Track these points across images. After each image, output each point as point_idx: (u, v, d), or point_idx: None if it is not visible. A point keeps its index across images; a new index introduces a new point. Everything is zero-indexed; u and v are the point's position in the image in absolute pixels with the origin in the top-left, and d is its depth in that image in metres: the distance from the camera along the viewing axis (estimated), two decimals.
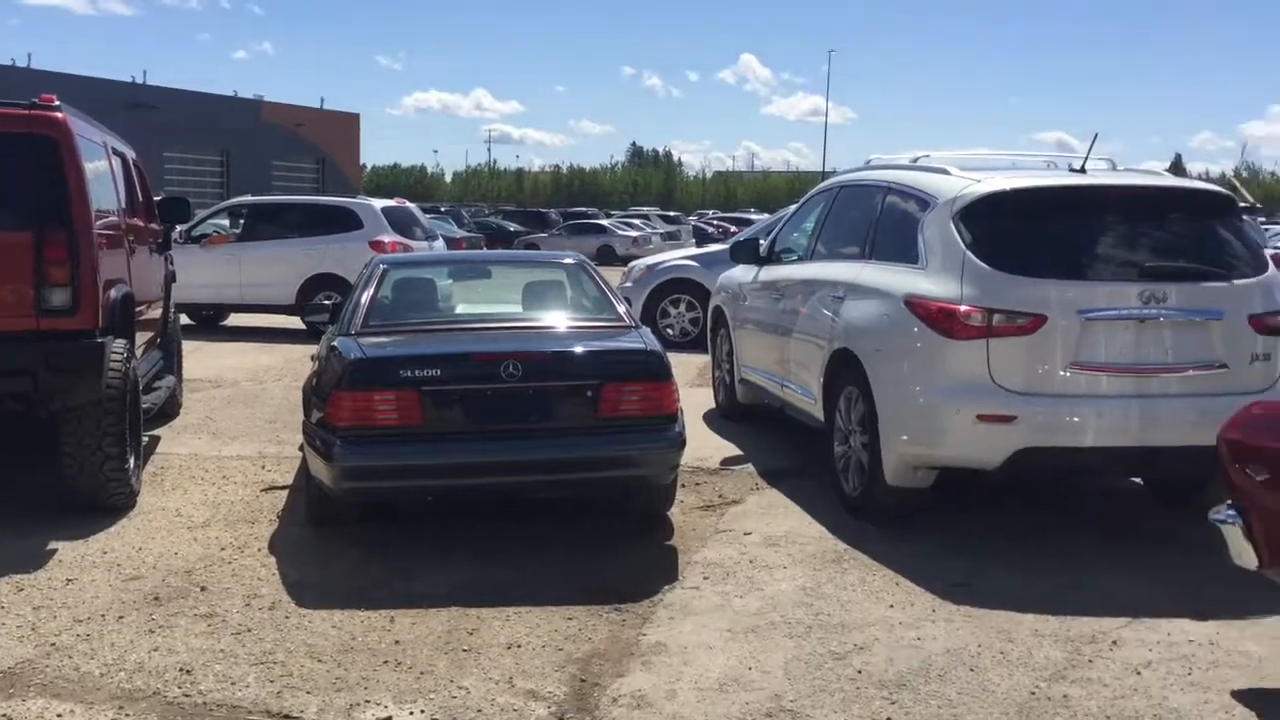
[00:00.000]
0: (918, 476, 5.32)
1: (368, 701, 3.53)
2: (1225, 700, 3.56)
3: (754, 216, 36.30)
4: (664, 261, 13.27)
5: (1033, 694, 3.60)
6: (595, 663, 3.85)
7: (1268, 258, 5.38)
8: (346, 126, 68.85)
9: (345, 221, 13.64)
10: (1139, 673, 3.76)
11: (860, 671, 3.77)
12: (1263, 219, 30.91)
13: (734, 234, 17.97)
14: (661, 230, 37.70)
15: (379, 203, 14.44)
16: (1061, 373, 5.01)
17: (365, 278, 5.97)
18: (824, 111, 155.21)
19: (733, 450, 7.10)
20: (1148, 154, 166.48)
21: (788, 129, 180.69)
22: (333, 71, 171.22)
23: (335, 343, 5.32)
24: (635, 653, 3.93)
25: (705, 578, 4.72)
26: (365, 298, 5.67)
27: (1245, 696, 3.58)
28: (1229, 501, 3.86)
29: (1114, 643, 4.02)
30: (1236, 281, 5.16)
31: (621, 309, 5.79)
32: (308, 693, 3.59)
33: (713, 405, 8.42)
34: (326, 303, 6.48)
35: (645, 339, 5.40)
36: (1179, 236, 5.42)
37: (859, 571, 4.80)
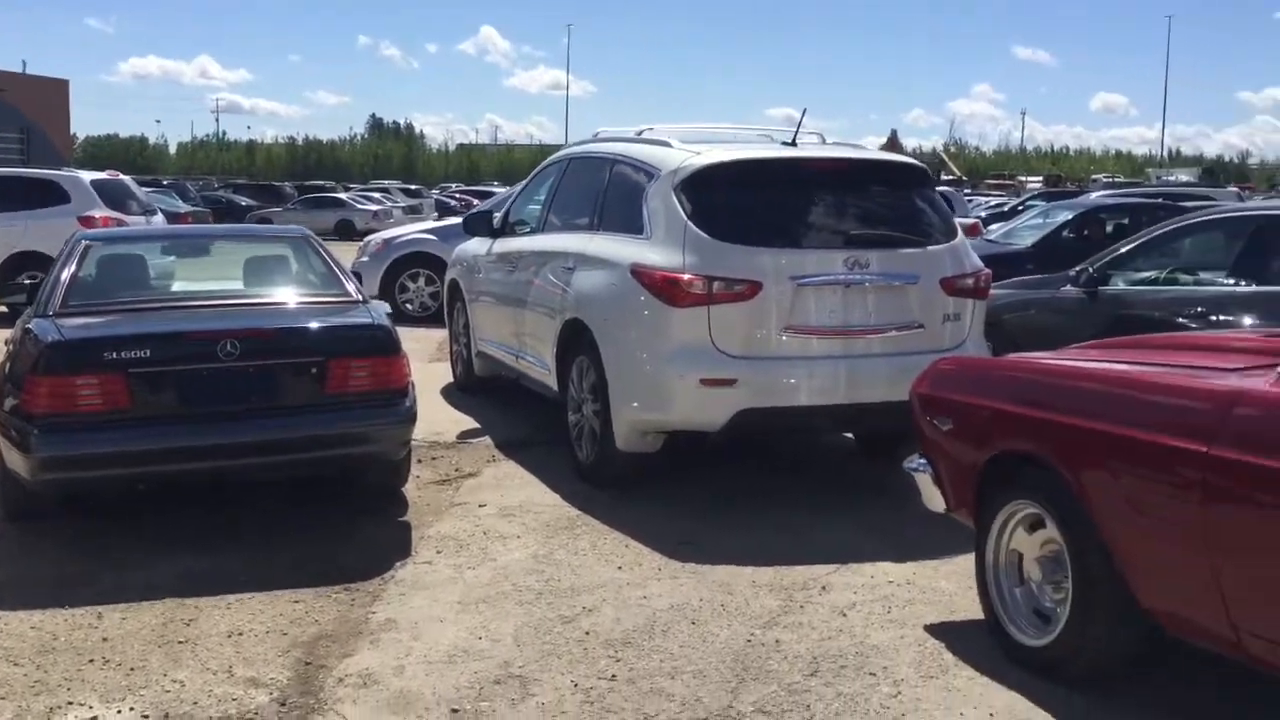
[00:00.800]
0: (647, 441, 5.48)
1: (70, 703, 3.34)
2: (919, 634, 3.86)
3: (498, 190, 36.17)
4: (401, 235, 13.03)
5: (748, 641, 3.79)
6: (321, 645, 3.78)
7: (957, 225, 5.83)
8: (54, 93, 63.68)
9: (50, 195, 12.69)
10: (844, 614, 4.03)
11: (588, 633, 3.86)
12: (968, 190, 33.37)
13: (477, 207, 17.85)
14: (403, 204, 36.95)
15: (88, 175, 13.51)
16: (777, 336, 5.26)
17: (65, 254, 5.58)
18: (565, 85, 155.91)
19: (470, 423, 7.09)
20: (868, 129, 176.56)
21: (530, 102, 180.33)
22: (37, 34, 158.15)
23: (30, 325, 4.95)
24: (364, 632, 3.88)
25: (439, 552, 4.71)
26: (65, 276, 5.31)
27: (936, 629, 3.90)
28: (920, 451, 4.18)
29: (823, 588, 4.28)
30: (930, 248, 5.56)
31: (349, 284, 5.66)
32: (1, 698, 3.35)
33: (452, 380, 8.37)
34: (26, 282, 6.02)
35: (373, 314, 5.30)
36: (880, 206, 5.77)
37: (591, 536, 4.91)
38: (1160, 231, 6.69)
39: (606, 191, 6.20)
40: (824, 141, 6.33)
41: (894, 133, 61.80)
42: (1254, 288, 5.69)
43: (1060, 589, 3.48)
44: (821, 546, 4.74)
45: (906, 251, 5.51)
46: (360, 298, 5.54)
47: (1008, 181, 48.85)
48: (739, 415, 5.22)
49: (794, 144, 5.97)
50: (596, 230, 6.10)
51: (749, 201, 5.56)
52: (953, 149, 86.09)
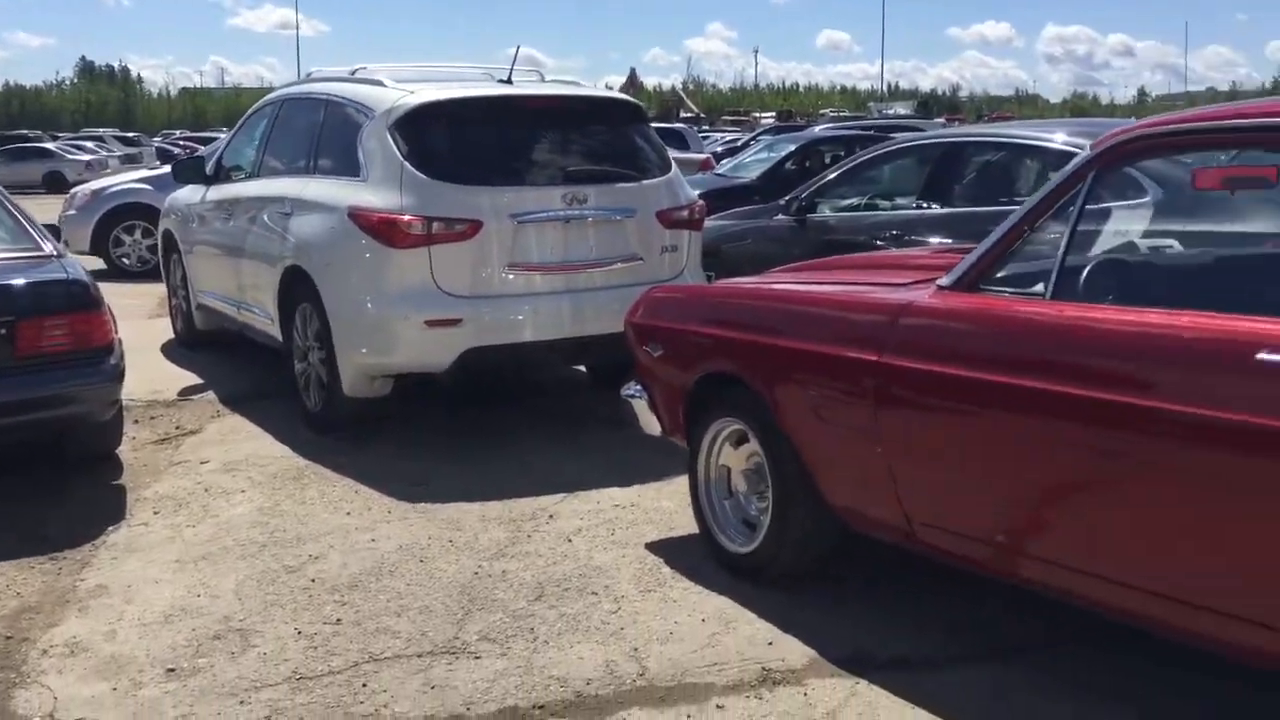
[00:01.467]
0: (375, 386, 5.43)
1: None
2: (640, 553, 4.04)
3: (225, 135, 34.43)
4: (112, 185, 12.26)
5: (476, 574, 3.86)
6: (24, 618, 3.59)
7: (671, 158, 6.00)
8: None
9: None
10: (570, 540, 4.16)
11: (314, 580, 3.83)
12: (706, 126, 34.20)
13: (196, 153, 16.91)
14: (120, 153, 34.59)
15: None
16: (501, 274, 5.31)
17: None
18: (295, 24, 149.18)
19: (193, 379, 6.81)
20: (608, 68, 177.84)
21: (258, 42, 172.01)
22: None
23: None
24: (71, 600, 3.71)
25: (155, 512, 4.54)
26: None
27: (656, 547, 4.09)
28: (636, 378, 4.34)
29: (551, 516, 4.40)
30: (646, 182, 5.71)
31: (41, 238, 5.29)
32: None
33: (174, 336, 7.99)
34: None
35: (69, 268, 4.98)
36: (597, 142, 5.88)
37: (319, 485, 4.85)
38: (859, 161, 7.11)
39: (321, 133, 6.04)
40: (542, 79, 6.36)
41: (633, 71, 62.38)
42: (940, 209, 6.16)
43: (764, 498, 3.72)
44: (551, 477, 4.86)
45: (623, 186, 5.64)
46: (55, 252, 5.20)
47: (743, 118, 50.38)
48: (466, 355, 5.24)
49: (510, 82, 5.97)
50: (312, 174, 5.94)
51: (466, 140, 5.55)
52: (691, 87, 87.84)
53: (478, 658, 3.27)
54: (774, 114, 52.31)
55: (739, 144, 24.05)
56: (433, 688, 3.10)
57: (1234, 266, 3.21)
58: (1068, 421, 2.68)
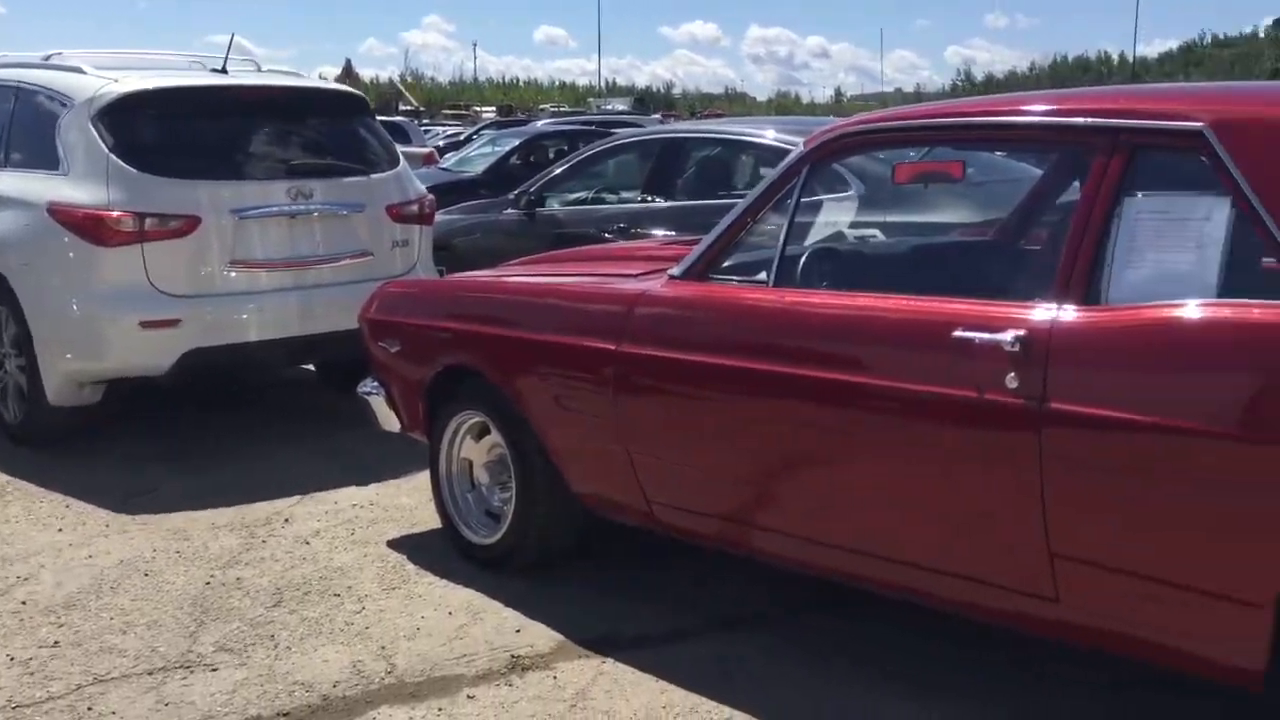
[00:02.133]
0: (85, 393, 5.09)
1: None
2: (382, 550, 3.99)
3: None
4: None
5: (208, 584, 3.70)
6: None
7: (399, 152, 5.93)
8: None
9: None
10: (308, 542, 4.06)
11: (24, 603, 3.56)
12: (426, 120, 33.75)
13: None
14: None
15: None
16: (223, 272, 5.09)
17: None
18: None
19: None
20: (321, 59, 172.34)
21: None
22: None
23: None
24: None
25: None
26: None
27: (398, 544, 4.05)
28: (372, 375, 4.28)
29: (286, 520, 4.27)
30: (374, 175, 5.61)
31: None
32: None
33: None
34: None
35: None
36: (321, 135, 5.72)
37: (24, 502, 4.50)
38: (584, 155, 7.26)
39: (13, 124, 5.58)
40: (259, 69, 6.13)
41: (349, 62, 60.83)
42: (664, 203, 6.38)
43: (507, 489, 3.76)
44: (284, 480, 4.70)
45: (351, 180, 5.52)
46: None
47: (464, 111, 50.04)
48: (187, 356, 4.99)
49: (225, 71, 5.72)
50: (4, 167, 5.49)
51: (180, 132, 5.29)
52: (409, 79, 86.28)
53: (215, 669, 3.15)
54: (495, 108, 52.27)
55: (461, 138, 23.91)
56: (166, 704, 2.96)
57: (930, 253, 3.52)
58: (792, 400, 2.87)
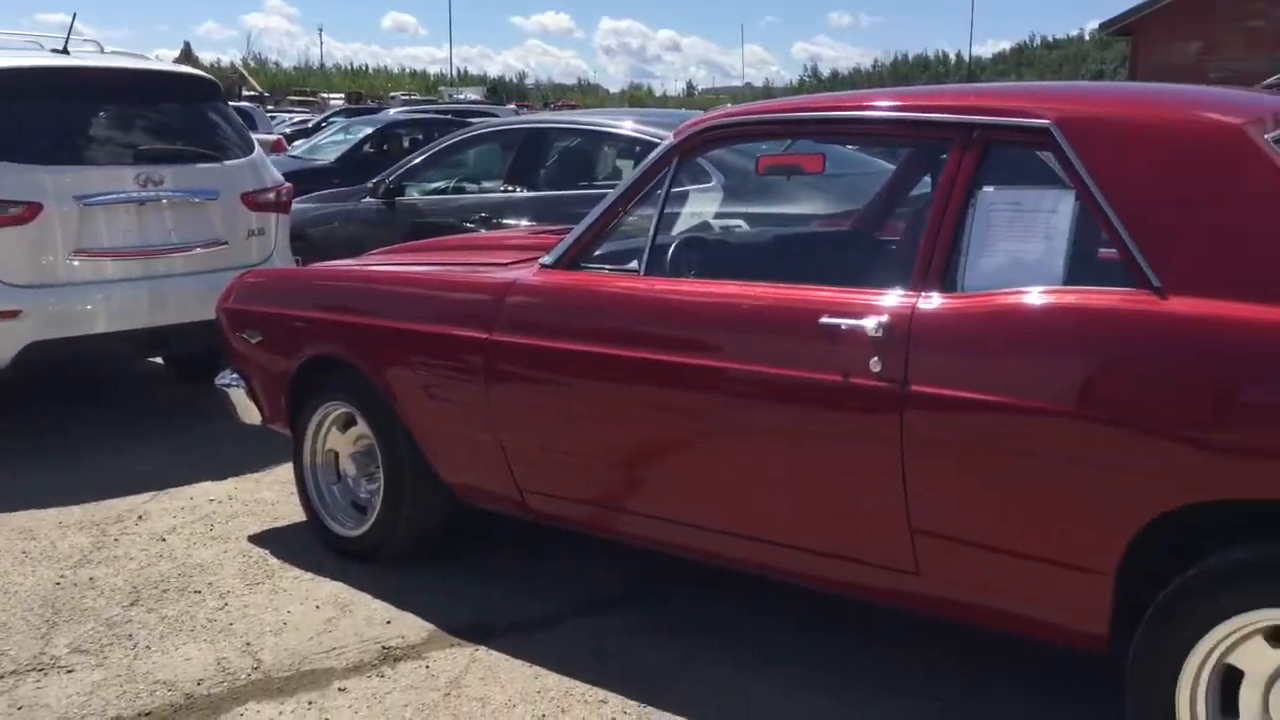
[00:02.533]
0: None
1: None
2: (244, 546, 3.90)
3: None
4: None
5: (58, 584, 3.56)
6: None
7: (254, 139, 5.78)
8: None
9: None
10: (164, 539, 3.94)
11: None
12: (271, 107, 32.79)
13: None
14: None
15: None
16: (66, 261, 4.88)
17: None
18: None
19: None
20: (157, 41, 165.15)
21: None
22: None
23: None
24: None
25: None
26: None
27: (260, 538, 3.96)
28: (231, 366, 4.17)
29: (140, 517, 4.14)
30: (228, 162, 5.46)
31: None
32: None
33: None
34: None
35: None
36: (172, 120, 5.52)
37: None
38: (445, 145, 7.19)
39: None
40: (102, 51, 5.89)
41: (187, 45, 58.55)
42: (526, 193, 6.37)
43: (374, 480, 3.72)
44: (137, 476, 4.55)
45: (203, 167, 5.36)
46: None
47: (311, 98, 48.73)
48: (28, 349, 4.78)
49: (66, 52, 5.48)
50: None
51: (20, 115, 5.03)
52: (252, 64, 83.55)
53: (70, 671, 3.04)
54: (344, 95, 51.08)
55: (310, 125, 23.31)
56: (20, 708, 2.85)
57: (795, 243, 3.62)
58: (664, 387, 2.92)
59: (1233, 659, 2.16)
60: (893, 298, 2.55)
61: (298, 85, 71.43)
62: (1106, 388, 2.23)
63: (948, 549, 2.48)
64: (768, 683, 2.93)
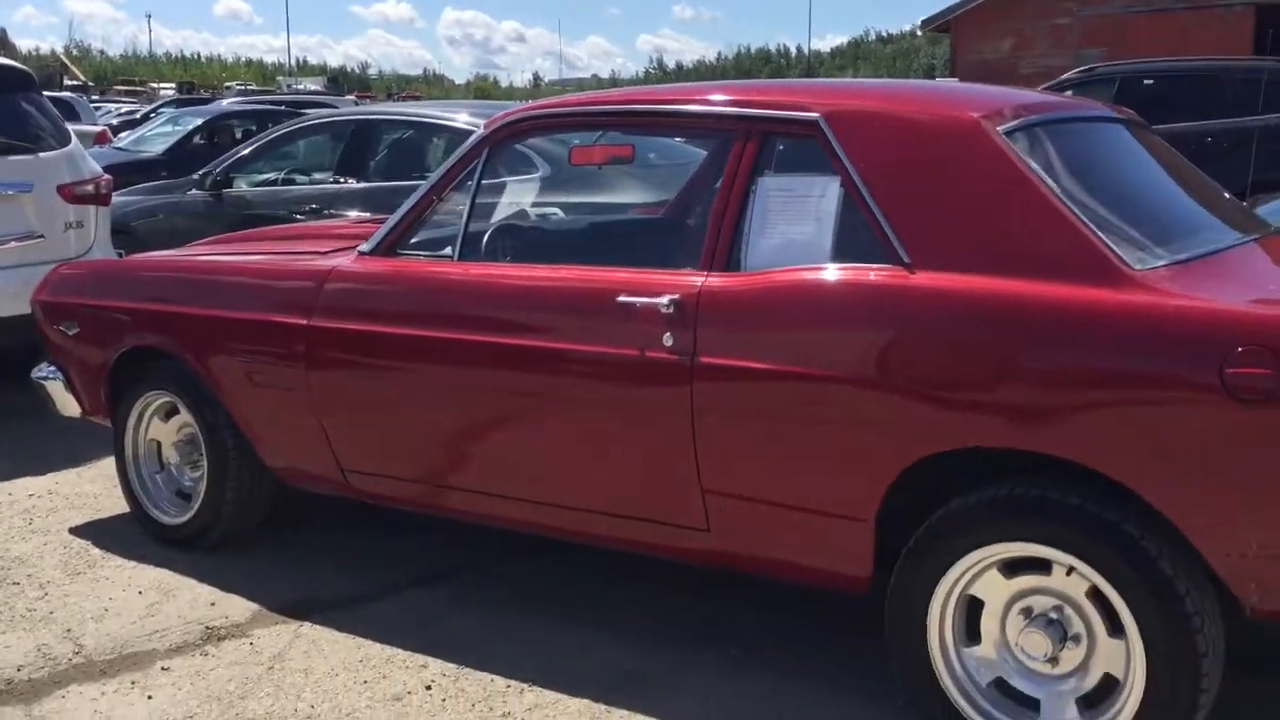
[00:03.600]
0: None
1: None
2: (64, 538, 3.89)
3: None
4: None
5: None
6: None
7: (71, 131, 5.68)
8: None
9: None
10: None
11: None
12: (96, 96, 31.51)
13: None
14: None
15: None
16: None
17: None
18: None
19: None
20: None
21: None
22: None
23: None
24: None
25: None
26: None
27: (82, 530, 3.96)
28: (49, 359, 4.14)
29: None
30: (43, 155, 5.37)
31: None
32: None
33: None
34: None
35: None
36: None
37: None
38: (274, 136, 7.16)
39: None
40: None
41: (3, 32, 55.56)
42: (357, 184, 6.42)
43: (197, 467, 3.77)
44: None
45: (17, 159, 5.26)
46: None
47: (139, 88, 46.90)
48: None
49: None
50: None
51: None
52: (75, 52, 79.79)
53: None
54: (174, 85, 49.31)
55: (138, 116, 22.52)
56: None
57: (602, 229, 3.82)
58: (478, 366, 3.07)
59: (974, 590, 2.45)
60: (683, 278, 2.76)
61: (125, 74, 68.52)
62: (862, 354, 2.48)
63: (734, 507, 2.71)
64: (580, 641, 3.12)
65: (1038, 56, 17.91)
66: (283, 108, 15.08)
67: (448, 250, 3.27)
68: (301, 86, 44.96)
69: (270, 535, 3.84)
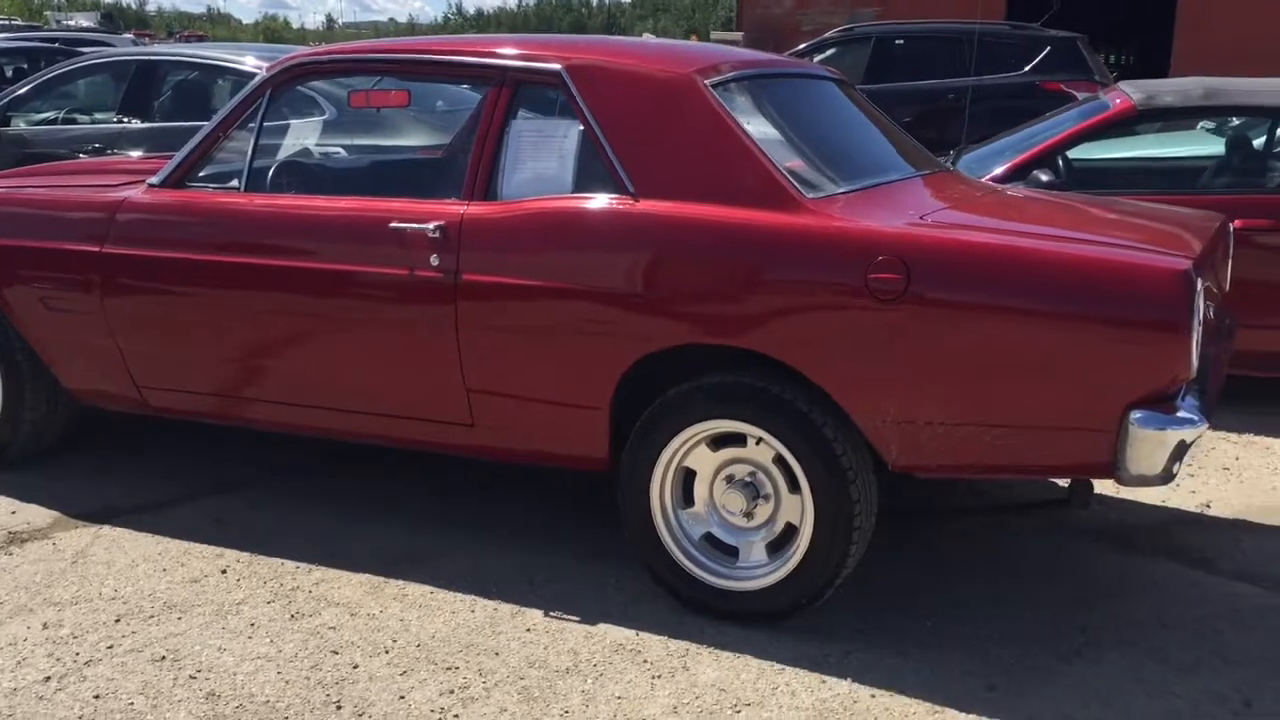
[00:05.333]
0: None
1: None
2: None
3: None
4: None
5: None
6: None
7: None
8: None
9: None
10: None
11: None
12: None
13: None
14: None
15: None
16: None
17: None
18: None
19: None
20: None
21: None
22: None
23: None
24: None
25: None
26: None
27: None
28: None
29: None
30: None
31: None
32: None
33: None
34: None
35: None
36: None
37: None
38: (53, 74, 7.11)
39: None
40: None
41: None
42: (141, 124, 6.51)
43: None
44: None
45: None
46: None
47: None
48: None
49: None
50: None
51: None
52: None
53: None
54: None
55: None
56: None
57: (381, 166, 4.19)
58: (265, 289, 3.41)
59: (688, 462, 2.99)
60: (448, 207, 3.18)
61: None
62: (594, 269, 2.97)
63: (493, 403, 3.17)
64: (366, 527, 3.53)
65: (817, 14, 18.84)
66: (56, 45, 14.49)
67: (234, 183, 3.58)
68: (72, 22, 42.40)
69: (69, 451, 4.08)
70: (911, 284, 2.67)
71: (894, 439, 2.78)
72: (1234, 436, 4.54)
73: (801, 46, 11.12)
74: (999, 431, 2.70)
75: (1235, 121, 5.70)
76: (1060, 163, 5.06)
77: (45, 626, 2.96)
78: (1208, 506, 3.87)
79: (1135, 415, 2.56)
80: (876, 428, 2.78)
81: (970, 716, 2.61)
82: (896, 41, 10.19)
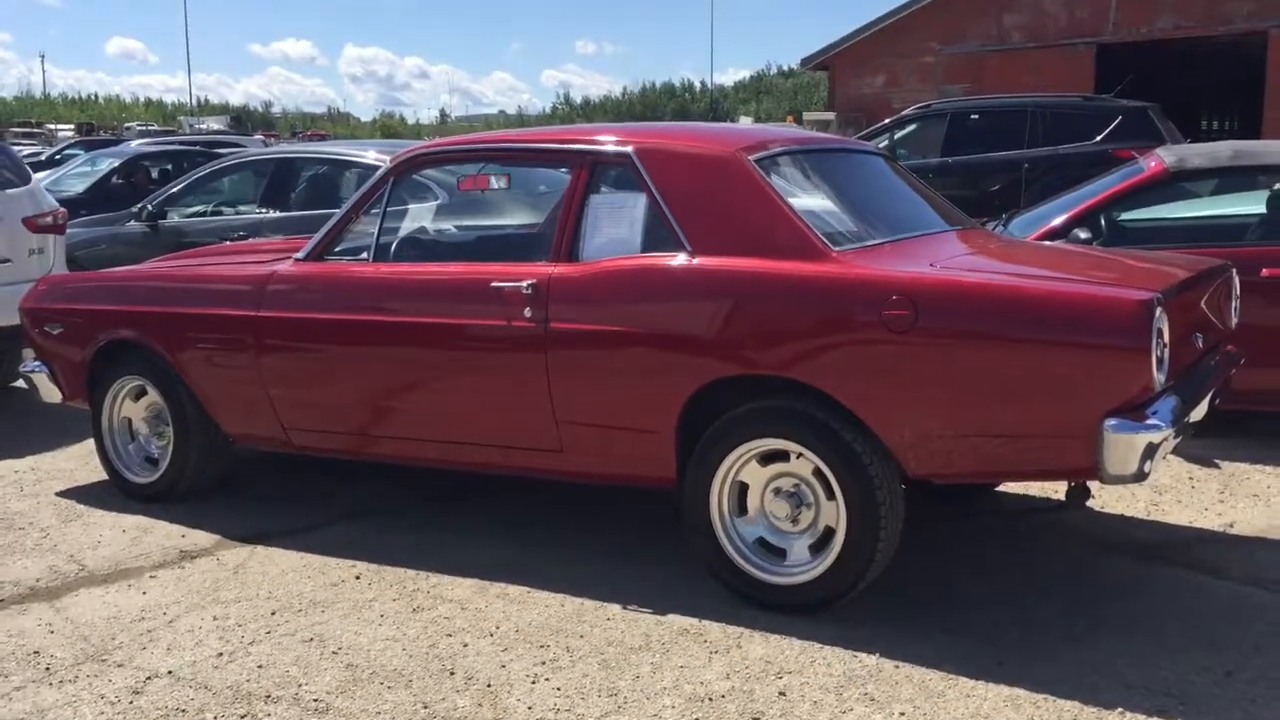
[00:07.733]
0: None
1: None
2: (53, 499, 4.81)
3: None
4: None
5: None
6: None
7: (30, 170, 6.57)
8: None
9: None
10: None
11: None
12: None
13: None
14: None
15: None
16: None
17: None
18: None
19: None
20: None
21: None
22: None
23: None
24: None
25: None
26: None
27: (67, 494, 4.88)
28: (35, 355, 5.05)
29: None
30: (9, 191, 6.27)
31: None
32: None
33: None
34: None
35: None
36: None
37: None
38: (203, 173, 8.10)
39: None
40: None
41: None
42: (279, 214, 7.38)
43: (163, 437, 4.71)
44: None
45: None
46: None
47: (36, 129, 46.79)
48: None
49: None
50: None
51: None
52: None
53: None
54: (73, 126, 49.17)
55: (42, 158, 22.94)
56: None
57: (482, 238, 4.88)
58: (388, 343, 4.08)
59: (741, 477, 3.54)
60: (539, 268, 3.82)
61: (20, 116, 67.58)
62: (660, 315, 3.56)
63: (579, 431, 3.76)
64: (475, 545, 4.13)
65: (906, 91, 19.45)
66: (196, 148, 15.86)
67: (364, 255, 4.29)
68: (205, 126, 45.22)
69: (226, 488, 4.80)
70: (919, 318, 3.20)
71: (911, 450, 3.29)
72: (1268, 468, 4.90)
73: (882, 123, 11.70)
74: (999, 441, 3.20)
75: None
76: (1102, 222, 5.52)
77: (215, 619, 3.61)
78: (1231, 526, 4.25)
79: (1109, 423, 3.04)
80: (896, 441, 3.30)
81: (980, 683, 3.07)
82: (971, 116, 10.72)
